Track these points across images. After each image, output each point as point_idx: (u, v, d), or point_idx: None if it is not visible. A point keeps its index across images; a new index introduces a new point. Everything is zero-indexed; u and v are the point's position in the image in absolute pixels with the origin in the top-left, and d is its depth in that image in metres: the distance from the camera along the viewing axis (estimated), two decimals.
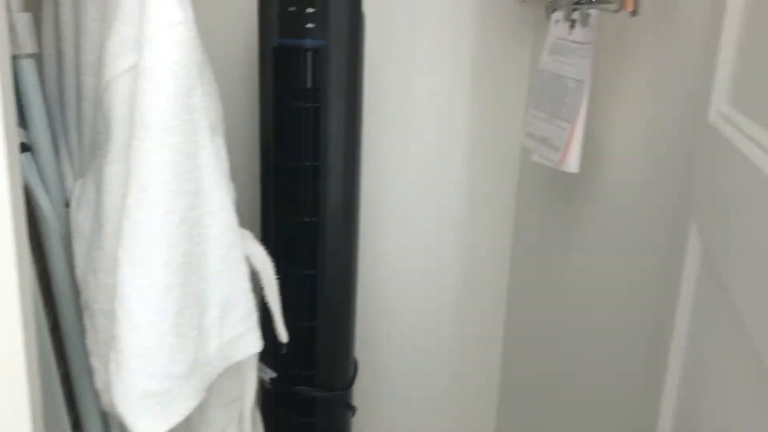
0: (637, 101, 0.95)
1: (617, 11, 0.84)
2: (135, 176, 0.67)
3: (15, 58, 0.81)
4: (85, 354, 0.82)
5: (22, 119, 0.83)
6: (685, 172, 0.73)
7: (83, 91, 0.80)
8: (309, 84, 0.93)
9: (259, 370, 1.08)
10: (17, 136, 0.58)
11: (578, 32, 0.96)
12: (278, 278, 0.99)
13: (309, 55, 0.92)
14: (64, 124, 0.88)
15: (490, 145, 1.27)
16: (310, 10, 0.91)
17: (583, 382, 1.06)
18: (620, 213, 0.98)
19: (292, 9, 0.91)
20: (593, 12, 0.93)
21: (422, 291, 1.34)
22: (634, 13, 0.87)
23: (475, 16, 1.19)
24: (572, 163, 0.98)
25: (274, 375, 1.06)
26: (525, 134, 1.10)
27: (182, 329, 0.71)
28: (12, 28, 0.79)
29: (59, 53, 0.86)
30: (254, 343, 0.80)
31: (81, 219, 0.80)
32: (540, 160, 1.05)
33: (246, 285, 0.79)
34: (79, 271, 0.80)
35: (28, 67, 0.81)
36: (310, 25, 0.91)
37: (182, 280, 0.71)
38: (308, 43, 0.92)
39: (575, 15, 0.96)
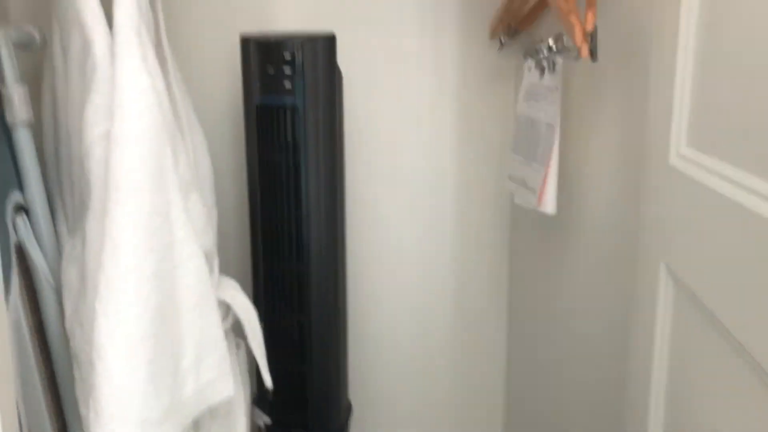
0: (605, 144, 0.97)
1: (577, 59, 0.87)
2: (109, 234, 0.72)
3: (12, 126, 0.87)
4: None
5: (20, 182, 0.89)
6: (651, 214, 0.75)
7: (73, 154, 0.86)
8: (289, 139, 0.98)
9: (255, 415, 1.11)
10: None
11: (547, 79, 1.00)
12: (269, 323, 1.03)
13: (287, 112, 0.97)
14: (61, 185, 0.94)
15: (480, 189, 1.30)
16: (287, 71, 0.96)
17: (579, 407, 1.06)
18: (596, 251, 1.00)
19: (270, 71, 0.97)
20: (559, 59, 0.96)
21: (416, 331, 1.36)
22: (593, 59, 0.90)
23: (456, 66, 1.23)
24: (549, 205, 1.01)
25: (269, 420, 1.09)
26: (508, 177, 1.12)
27: (157, 377, 0.75)
28: (9, 99, 0.86)
29: (55, 119, 0.93)
30: (228, 387, 0.83)
31: (70, 274, 0.85)
32: (520, 202, 1.08)
33: (218, 332, 0.83)
34: (68, 323, 0.85)
35: (23, 134, 0.88)
36: (287, 85, 0.97)
37: (156, 330, 0.75)
38: (286, 101, 0.97)
39: (544, 62, 1.00)
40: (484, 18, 1.21)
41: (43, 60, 0.95)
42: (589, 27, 0.85)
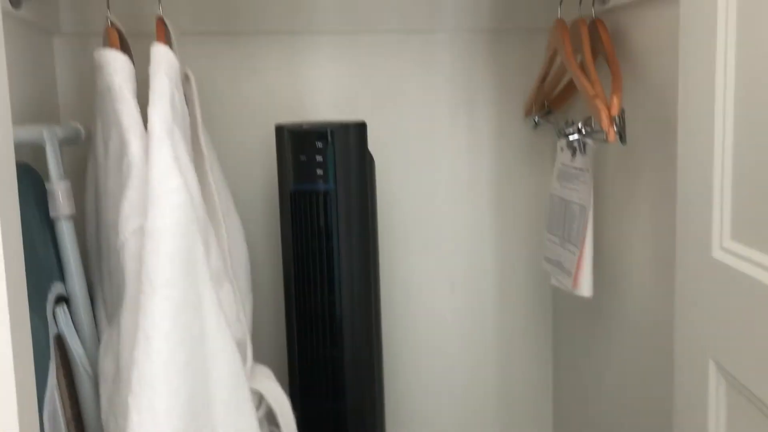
0: (640, 226, 0.96)
1: (605, 141, 0.87)
2: (141, 327, 0.74)
3: (55, 219, 0.91)
4: None
5: (61, 273, 0.92)
6: (694, 308, 0.71)
7: (111, 245, 0.89)
8: (321, 225, 0.99)
9: None
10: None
11: (579, 160, 0.99)
12: (304, 410, 1.02)
13: (320, 199, 0.99)
14: (101, 274, 0.97)
15: (521, 268, 1.28)
16: (319, 158, 0.98)
17: None
18: (637, 335, 0.96)
19: (303, 158, 0.99)
20: (589, 141, 0.96)
21: (458, 416, 1.32)
22: (622, 142, 0.89)
23: (492, 143, 1.24)
24: (584, 288, 0.99)
25: None
26: (544, 258, 1.11)
27: None
28: (53, 195, 0.90)
29: (97, 210, 0.96)
30: None
31: (106, 364, 0.87)
32: (557, 284, 1.06)
33: (254, 423, 0.83)
34: (104, 415, 0.86)
35: (65, 227, 0.91)
36: (320, 172, 0.98)
37: (187, 425, 0.75)
38: (319, 188, 0.99)
39: (575, 143, 0.99)
40: (519, 95, 1.22)
41: (88, 152, 0.99)
42: (614, 112, 0.85)
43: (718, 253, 0.64)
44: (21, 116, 0.94)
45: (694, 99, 0.67)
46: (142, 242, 0.74)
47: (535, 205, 1.26)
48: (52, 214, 0.90)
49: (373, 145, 1.17)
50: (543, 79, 1.08)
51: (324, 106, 1.19)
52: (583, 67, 0.96)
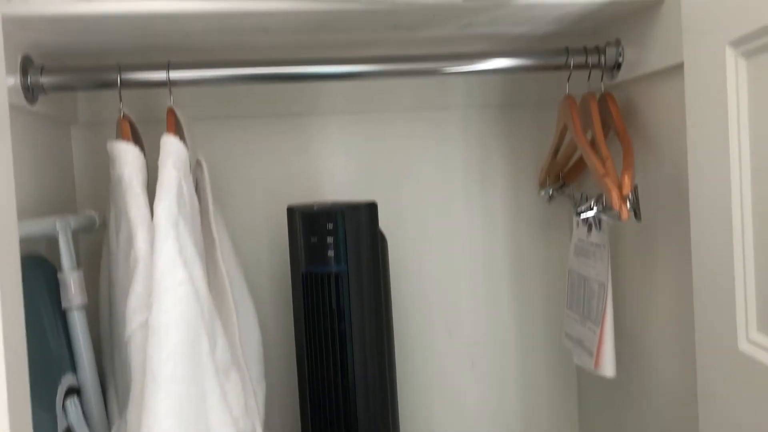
0: (662, 305, 0.92)
1: (619, 219, 0.85)
2: (145, 422, 0.72)
3: (67, 310, 0.91)
4: None
5: (73, 364, 0.92)
6: (716, 399, 0.68)
7: (121, 337, 0.89)
8: (333, 307, 0.98)
9: None
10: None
11: (595, 235, 0.97)
12: None
13: (332, 280, 0.98)
14: (113, 365, 0.96)
15: (542, 345, 1.25)
16: (329, 240, 0.98)
17: None
18: (663, 419, 0.92)
19: (314, 240, 0.98)
20: (604, 217, 0.94)
21: None
22: (637, 220, 0.87)
23: (507, 216, 1.22)
24: (607, 368, 0.95)
25: None
26: (565, 335, 1.08)
27: None
28: (65, 285, 0.90)
29: (111, 302, 0.96)
30: None
31: None
32: (579, 363, 1.02)
33: None
34: None
35: (77, 318, 0.91)
36: (330, 254, 0.98)
37: None
38: (330, 269, 0.98)
39: (590, 219, 0.97)
40: (533, 167, 1.20)
41: (103, 239, 1.00)
42: (626, 191, 0.83)
43: (744, 346, 0.61)
44: (38, 206, 0.95)
45: (707, 181, 0.65)
46: (146, 337, 0.74)
47: (554, 278, 1.23)
48: (64, 304, 0.91)
49: (387, 223, 1.17)
50: (555, 153, 1.07)
51: (338, 186, 1.20)
52: (593, 143, 0.95)
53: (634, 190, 0.87)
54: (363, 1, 0.79)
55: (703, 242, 0.66)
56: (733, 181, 0.59)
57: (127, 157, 0.84)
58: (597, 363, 0.95)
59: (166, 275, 0.73)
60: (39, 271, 0.89)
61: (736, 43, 0.57)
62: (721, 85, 0.60)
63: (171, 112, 0.90)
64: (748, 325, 0.60)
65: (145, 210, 0.79)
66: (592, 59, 0.97)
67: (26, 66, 0.88)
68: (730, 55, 0.58)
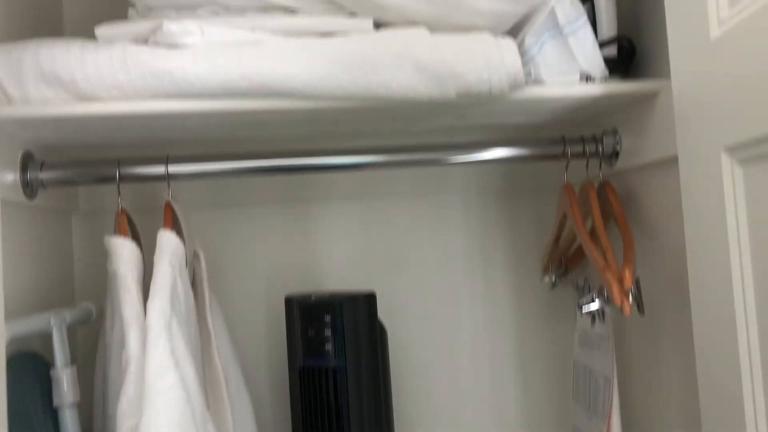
0: (669, 399, 0.89)
1: (621, 311, 0.83)
2: None
3: (59, 407, 0.89)
4: None
5: None
6: None
7: None
8: (332, 401, 0.95)
9: None
10: None
11: (598, 326, 0.95)
12: None
13: (329, 374, 0.96)
14: None
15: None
16: (327, 332, 0.96)
17: None
18: None
19: (311, 333, 0.97)
20: (607, 309, 0.92)
21: None
22: (640, 313, 0.85)
23: (511, 302, 1.20)
24: None
25: None
26: (572, 428, 1.04)
27: None
28: (58, 382, 0.88)
29: (105, 399, 0.94)
30: None
31: None
32: None
33: None
34: None
35: (69, 416, 0.88)
36: (328, 347, 0.96)
37: None
38: (328, 362, 0.96)
39: (593, 311, 0.95)
40: (535, 251, 1.19)
41: (99, 331, 0.98)
42: (627, 285, 0.81)
43: None
44: (36, 298, 0.95)
45: (708, 288, 0.63)
46: None
47: (560, 364, 1.20)
48: (55, 402, 0.88)
49: (389, 312, 1.15)
50: (556, 240, 1.06)
51: (338, 272, 1.18)
52: (593, 232, 0.94)
53: (636, 282, 0.86)
54: (358, 100, 0.80)
55: (707, 359, 0.64)
56: (735, 289, 0.58)
57: (123, 252, 0.84)
58: None
59: (157, 379, 0.72)
60: (31, 368, 0.88)
61: (732, 150, 0.57)
62: (717, 187, 0.59)
63: (168, 206, 0.90)
64: (759, 418, 0.58)
65: (139, 308, 0.78)
66: (589, 148, 0.97)
67: (26, 162, 0.89)
68: (725, 162, 0.57)
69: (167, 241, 0.83)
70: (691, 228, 0.65)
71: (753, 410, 0.57)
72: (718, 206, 0.59)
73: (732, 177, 0.57)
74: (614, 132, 0.97)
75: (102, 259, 0.99)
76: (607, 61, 0.88)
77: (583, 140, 0.98)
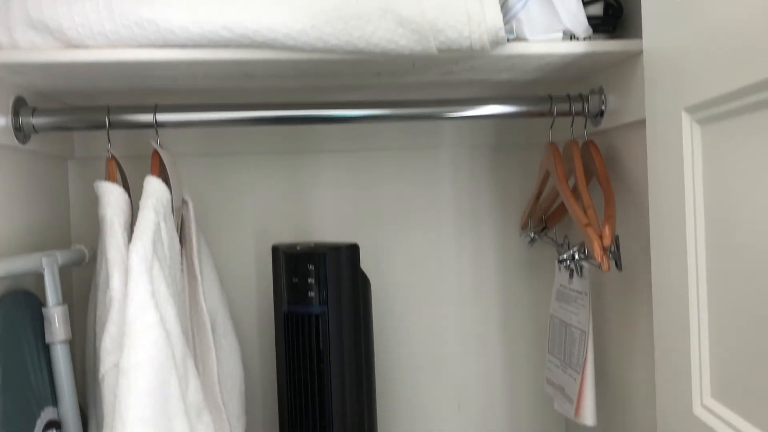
0: (645, 353, 0.92)
1: (599, 267, 0.85)
2: None
3: (50, 344, 0.93)
4: None
5: (54, 398, 0.93)
6: None
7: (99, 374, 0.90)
8: (314, 347, 0.99)
9: None
10: None
11: (576, 282, 0.97)
12: None
13: (312, 320, 0.99)
14: (96, 400, 0.97)
15: (529, 390, 1.24)
16: (310, 281, 0.99)
17: None
18: None
19: (295, 280, 1.00)
20: (585, 265, 0.94)
21: None
22: (618, 269, 0.87)
23: (496, 257, 1.23)
24: (587, 417, 0.94)
25: None
26: (546, 380, 1.07)
27: None
28: (49, 320, 0.92)
29: (95, 336, 0.98)
30: None
31: None
32: (560, 410, 1.01)
33: None
34: None
35: (60, 352, 0.93)
36: (311, 294, 0.99)
37: None
38: (311, 309, 0.99)
39: (571, 265, 0.97)
40: (521, 208, 1.21)
41: (92, 273, 1.02)
42: (606, 242, 0.83)
43: (698, 410, 0.61)
44: (31, 240, 0.98)
45: (666, 240, 0.65)
46: (117, 378, 0.75)
47: (542, 320, 1.23)
48: (47, 339, 0.92)
49: (377, 264, 1.18)
50: (537, 197, 1.07)
51: (326, 224, 1.21)
52: (576, 189, 0.95)
53: (616, 240, 0.87)
54: (340, 52, 0.81)
55: (663, 304, 0.66)
56: (689, 245, 0.59)
57: (110, 197, 0.86)
58: (577, 411, 0.95)
59: (137, 318, 0.75)
60: (24, 306, 0.91)
61: (692, 110, 0.58)
62: (677, 146, 0.60)
63: (155, 153, 0.92)
64: (703, 390, 0.60)
65: (123, 251, 0.81)
66: (575, 107, 0.98)
67: (18, 107, 0.91)
68: (686, 121, 0.58)
69: (152, 187, 0.85)
70: (653, 184, 0.67)
71: (698, 334, 0.59)
72: (677, 164, 0.60)
73: (691, 136, 0.57)
74: (600, 91, 0.97)
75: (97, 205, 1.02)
76: (593, 20, 0.88)
77: (569, 98, 0.98)
